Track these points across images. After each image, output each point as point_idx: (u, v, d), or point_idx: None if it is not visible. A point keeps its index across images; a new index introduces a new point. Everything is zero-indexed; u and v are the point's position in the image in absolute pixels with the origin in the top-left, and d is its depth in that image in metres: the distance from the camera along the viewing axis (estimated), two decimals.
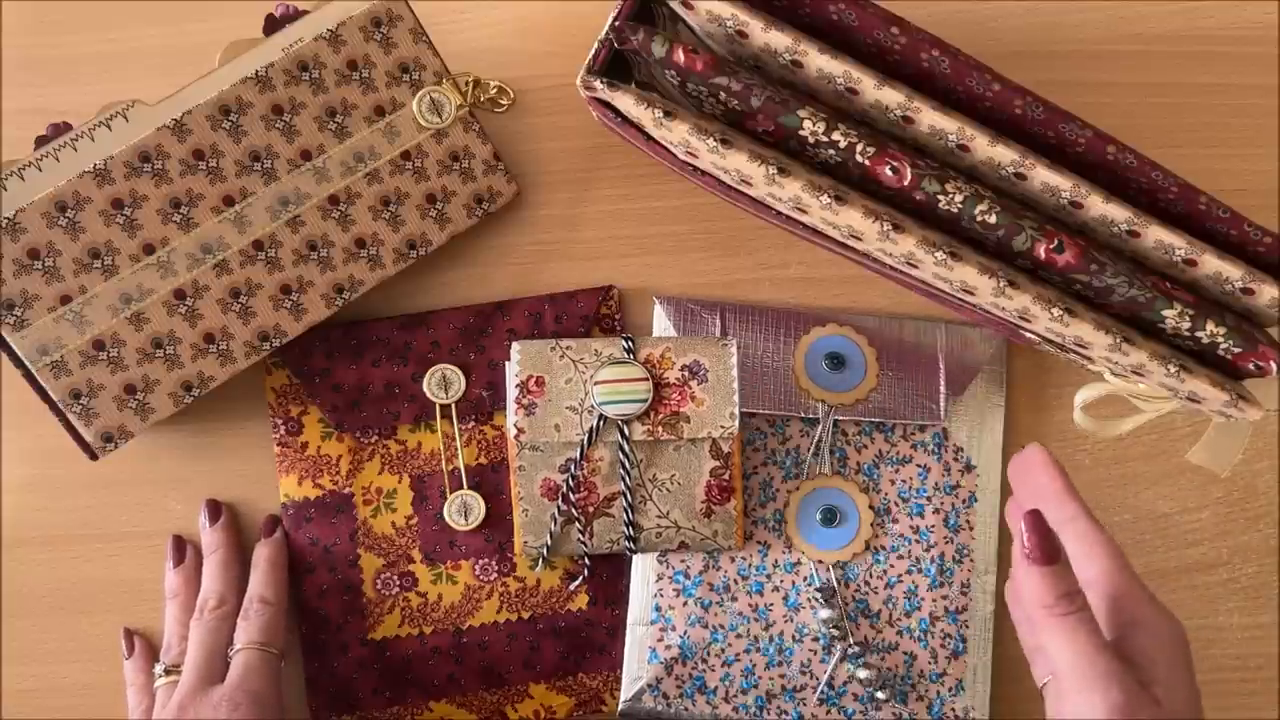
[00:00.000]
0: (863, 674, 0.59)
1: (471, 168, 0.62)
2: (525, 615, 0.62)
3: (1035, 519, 0.47)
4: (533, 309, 0.64)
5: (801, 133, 0.53)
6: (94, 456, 0.58)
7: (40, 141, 0.57)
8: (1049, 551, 0.46)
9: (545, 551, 0.59)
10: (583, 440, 0.58)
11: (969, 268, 0.52)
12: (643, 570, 0.61)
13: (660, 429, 0.58)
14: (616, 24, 0.54)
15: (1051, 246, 0.52)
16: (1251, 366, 0.54)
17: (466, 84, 0.62)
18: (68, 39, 0.66)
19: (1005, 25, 0.67)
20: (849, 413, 0.62)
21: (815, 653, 0.60)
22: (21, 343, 0.56)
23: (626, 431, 0.58)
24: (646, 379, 0.58)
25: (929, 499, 0.62)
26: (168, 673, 0.59)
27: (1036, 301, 0.52)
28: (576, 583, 0.62)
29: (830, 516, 0.61)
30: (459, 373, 0.63)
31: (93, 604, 0.63)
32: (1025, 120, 0.53)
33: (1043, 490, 0.50)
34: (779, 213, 0.56)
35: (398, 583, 0.62)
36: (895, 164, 0.53)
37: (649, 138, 0.56)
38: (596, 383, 0.58)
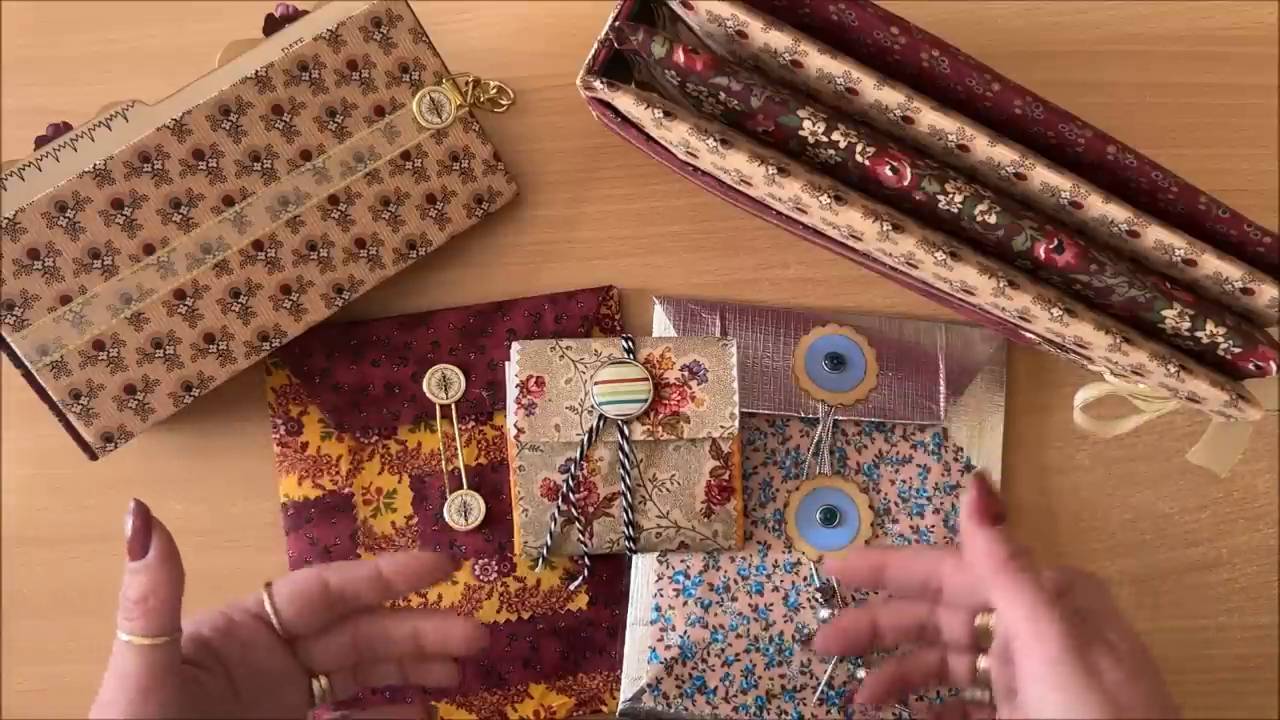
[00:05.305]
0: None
1: (471, 168, 0.62)
2: (525, 615, 0.62)
3: (981, 480, 0.48)
4: (533, 309, 0.64)
5: (801, 133, 0.53)
6: (94, 456, 0.58)
7: (40, 141, 0.57)
8: (997, 511, 0.47)
9: (545, 551, 0.59)
10: (583, 440, 0.58)
11: (969, 268, 0.52)
12: (643, 570, 0.61)
13: (660, 429, 0.58)
14: (616, 24, 0.54)
15: (1051, 246, 0.52)
16: (1251, 366, 0.54)
17: (466, 84, 0.62)
18: (68, 39, 0.66)
19: (1005, 25, 0.67)
20: (849, 413, 0.62)
21: (815, 652, 0.60)
22: (21, 343, 0.56)
23: (626, 431, 0.58)
24: (646, 379, 0.58)
25: (929, 499, 0.62)
26: None
27: (1036, 301, 0.52)
28: (576, 583, 0.62)
29: (830, 516, 0.61)
30: (459, 373, 0.63)
31: (93, 604, 0.63)
32: (1025, 120, 0.53)
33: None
34: (779, 213, 0.56)
35: None
36: (895, 164, 0.53)
37: (649, 138, 0.56)
38: (596, 383, 0.58)
